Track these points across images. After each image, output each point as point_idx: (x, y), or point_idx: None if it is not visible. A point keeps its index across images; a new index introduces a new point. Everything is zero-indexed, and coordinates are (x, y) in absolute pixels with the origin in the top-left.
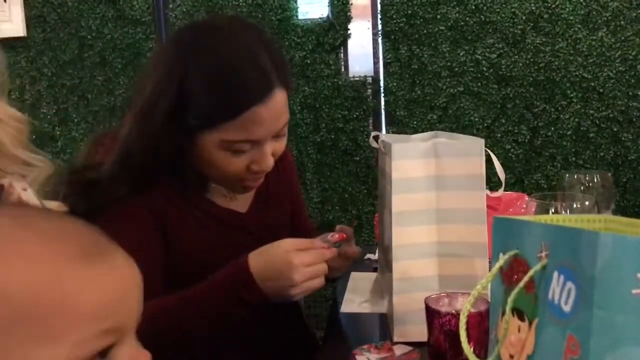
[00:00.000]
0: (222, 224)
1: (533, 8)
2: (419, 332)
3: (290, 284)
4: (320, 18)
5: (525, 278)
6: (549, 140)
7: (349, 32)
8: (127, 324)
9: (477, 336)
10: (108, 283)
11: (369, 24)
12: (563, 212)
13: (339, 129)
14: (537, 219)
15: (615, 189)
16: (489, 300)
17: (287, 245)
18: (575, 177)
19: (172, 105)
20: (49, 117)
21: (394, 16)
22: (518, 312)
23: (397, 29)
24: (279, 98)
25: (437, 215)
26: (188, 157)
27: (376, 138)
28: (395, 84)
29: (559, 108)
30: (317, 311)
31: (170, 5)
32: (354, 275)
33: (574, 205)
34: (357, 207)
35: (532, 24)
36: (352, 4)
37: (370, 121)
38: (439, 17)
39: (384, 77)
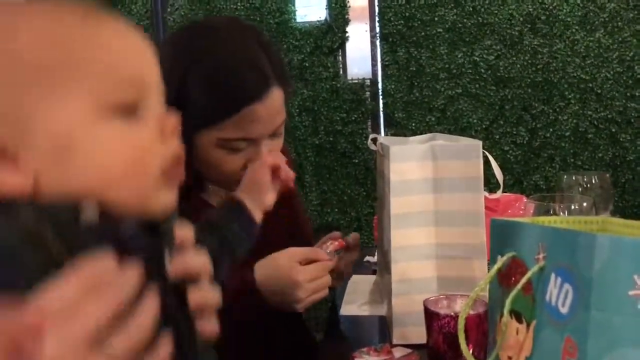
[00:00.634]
0: None
1: (530, 10)
2: (419, 334)
3: (295, 300)
4: (318, 21)
5: (523, 280)
6: (547, 141)
7: (347, 34)
8: (147, 80)
9: (476, 338)
10: (114, 41)
11: (367, 27)
12: (561, 213)
13: (337, 132)
14: (535, 221)
15: (614, 190)
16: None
17: (290, 260)
18: (574, 178)
19: (171, 106)
20: None
21: (392, 19)
22: (516, 314)
23: (395, 31)
24: (276, 97)
25: (436, 217)
26: (186, 157)
27: (374, 140)
28: (393, 86)
29: (557, 109)
30: (316, 314)
31: (169, 9)
32: (353, 277)
33: (572, 207)
34: (356, 209)
35: (529, 26)
36: (350, 6)
37: (369, 123)
38: (436, 19)
39: (382, 80)
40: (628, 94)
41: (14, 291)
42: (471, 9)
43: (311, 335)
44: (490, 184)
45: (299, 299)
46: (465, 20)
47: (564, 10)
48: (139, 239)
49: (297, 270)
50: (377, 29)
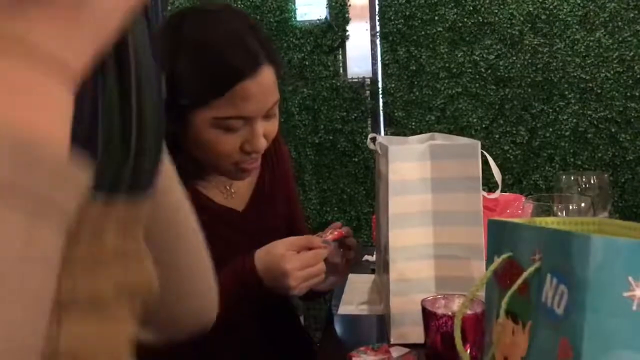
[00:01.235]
0: (218, 221)
1: (531, 9)
2: (416, 333)
3: (286, 287)
4: (318, 19)
5: (519, 281)
6: (547, 141)
7: (347, 33)
8: None
9: (474, 338)
10: None
11: (367, 26)
12: (559, 213)
13: (337, 130)
14: (531, 222)
15: (612, 190)
16: None
17: (281, 249)
18: (572, 178)
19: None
20: None
21: (392, 17)
22: (512, 315)
23: (395, 30)
24: (267, 74)
25: (434, 217)
26: (182, 142)
27: (373, 140)
28: (393, 85)
29: (557, 109)
30: (314, 313)
31: (169, 7)
32: (352, 277)
33: (570, 207)
34: (356, 208)
35: (529, 25)
36: (350, 5)
37: (369, 122)
38: (437, 18)
39: (382, 79)
40: (628, 94)
41: None
42: (471, 8)
43: (308, 334)
44: (490, 183)
45: (290, 286)
46: (465, 19)
47: (564, 10)
48: None
49: (286, 259)
50: (377, 28)
